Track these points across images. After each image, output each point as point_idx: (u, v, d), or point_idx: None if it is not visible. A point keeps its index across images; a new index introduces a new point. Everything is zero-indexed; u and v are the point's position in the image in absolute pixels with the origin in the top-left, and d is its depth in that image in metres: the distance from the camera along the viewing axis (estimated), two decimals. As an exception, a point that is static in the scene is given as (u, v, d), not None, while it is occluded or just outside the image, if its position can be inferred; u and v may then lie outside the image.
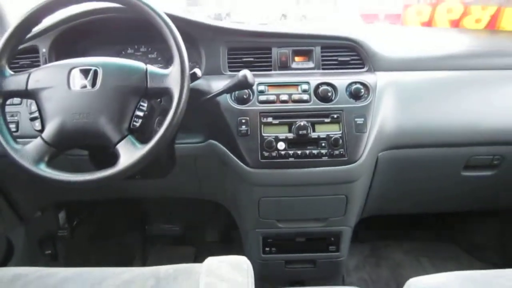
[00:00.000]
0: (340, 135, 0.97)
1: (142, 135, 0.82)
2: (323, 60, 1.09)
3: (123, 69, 0.82)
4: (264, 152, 0.97)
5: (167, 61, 1.13)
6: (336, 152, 0.97)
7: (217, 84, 0.99)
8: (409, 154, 1.06)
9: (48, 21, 0.99)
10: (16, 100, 1.03)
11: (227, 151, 1.01)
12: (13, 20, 0.90)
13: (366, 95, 1.00)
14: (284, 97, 1.00)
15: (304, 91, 1.01)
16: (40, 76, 0.81)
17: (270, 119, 0.98)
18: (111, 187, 1.19)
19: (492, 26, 1.79)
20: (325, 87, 1.01)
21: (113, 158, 0.77)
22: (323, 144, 0.97)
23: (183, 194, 1.31)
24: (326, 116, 0.98)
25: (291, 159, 0.97)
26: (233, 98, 1.00)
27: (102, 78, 0.79)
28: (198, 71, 0.88)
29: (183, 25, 0.93)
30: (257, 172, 0.98)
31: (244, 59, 1.08)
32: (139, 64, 0.82)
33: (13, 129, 1.00)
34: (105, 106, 0.78)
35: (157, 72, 0.81)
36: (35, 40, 1.06)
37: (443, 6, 1.96)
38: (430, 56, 1.12)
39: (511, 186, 1.18)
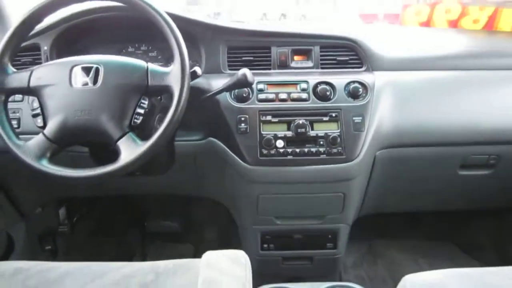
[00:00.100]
0: (338, 133, 0.98)
1: (142, 132, 0.83)
2: (322, 60, 1.10)
3: (125, 67, 0.83)
4: (263, 149, 0.98)
5: (167, 60, 1.14)
6: (334, 150, 0.98)
7: (217, 83, 1.00)
8: (407, 153, 1.06)
9: (50, 19, 1.00)
10: (18, 97, 1.04)
11: (227, 148, 1.02)
12: (15, 19, 0.91)
13: (364, 95, 1.01)
14: (283, 96, 1.01)
15: (303, 90, 1.02)
16: (42, 74, 0.82)
17: (269, 117, 0.99)
18: (112, 183, 1.20)
19: (489, 27, 1.79)
20: (323, 86, 1.01)
21: (114, 155, 0.78)
22: (321, 142, 0.98)
23: (182, 191, 1.32)
24: (325, 114, 0.99)
25: (289, 157, 0.98)
26: (232, 96, 1.01)
27: (103, 75, 0.80)
28: (198, 70, 0.89)
29: (183, 24, 0.94)
30: (256, 170, 0.99)
31: (244, 58, 1.09)
32: (140, 62, 0.83)
33: (15, 126, 1.01)
34: (106, 104, 0.79)
35: (158, 70, 0.82)
36: (36, 38, 1.07)
37: (441, 6, 1.96)
38: (427, 56, 1.13)
39: (508, 185, 1.19)
